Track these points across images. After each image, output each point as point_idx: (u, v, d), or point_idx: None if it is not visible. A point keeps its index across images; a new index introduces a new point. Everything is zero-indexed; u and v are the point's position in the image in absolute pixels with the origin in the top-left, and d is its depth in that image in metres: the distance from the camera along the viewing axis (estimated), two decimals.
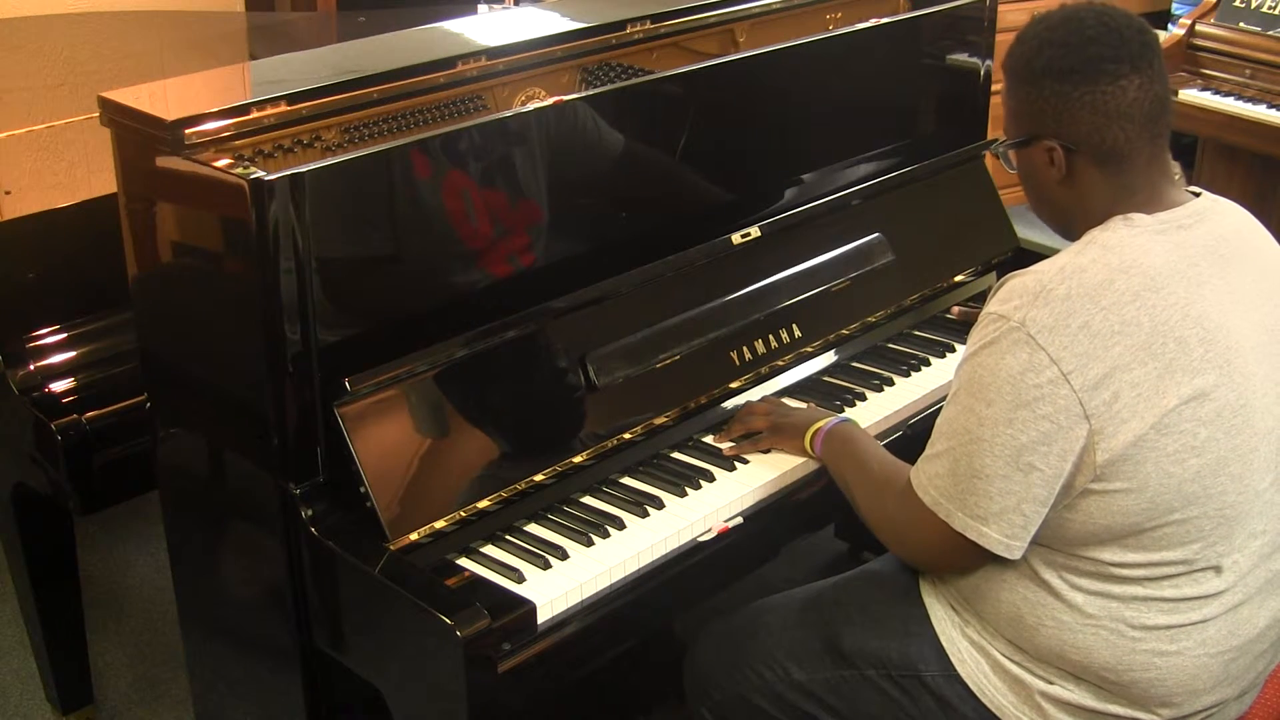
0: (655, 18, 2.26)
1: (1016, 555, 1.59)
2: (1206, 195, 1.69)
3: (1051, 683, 1.64)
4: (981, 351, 1.56)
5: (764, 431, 1.98)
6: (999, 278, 2.50)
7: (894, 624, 1.76)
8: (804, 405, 2.06)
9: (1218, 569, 1.59)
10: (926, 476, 1.63)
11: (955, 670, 1.69)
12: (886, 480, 1.75)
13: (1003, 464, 1.54)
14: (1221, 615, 1.60)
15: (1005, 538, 1.57)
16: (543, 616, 1.66)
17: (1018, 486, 1.54)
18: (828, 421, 1.92)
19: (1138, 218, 1.60)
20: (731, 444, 1.99)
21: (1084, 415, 1.51)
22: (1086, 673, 1.62)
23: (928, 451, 1.65)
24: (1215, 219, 1.65)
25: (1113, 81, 1.57)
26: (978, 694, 1.68)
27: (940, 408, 2.11)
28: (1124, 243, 1.58)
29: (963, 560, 1.65)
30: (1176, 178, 1.68)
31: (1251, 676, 1.68)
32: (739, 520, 1.87)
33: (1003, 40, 2.97)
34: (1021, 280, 1.57)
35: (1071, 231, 1.68)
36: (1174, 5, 4.57)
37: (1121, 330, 1.52)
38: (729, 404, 2.09)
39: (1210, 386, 1.54)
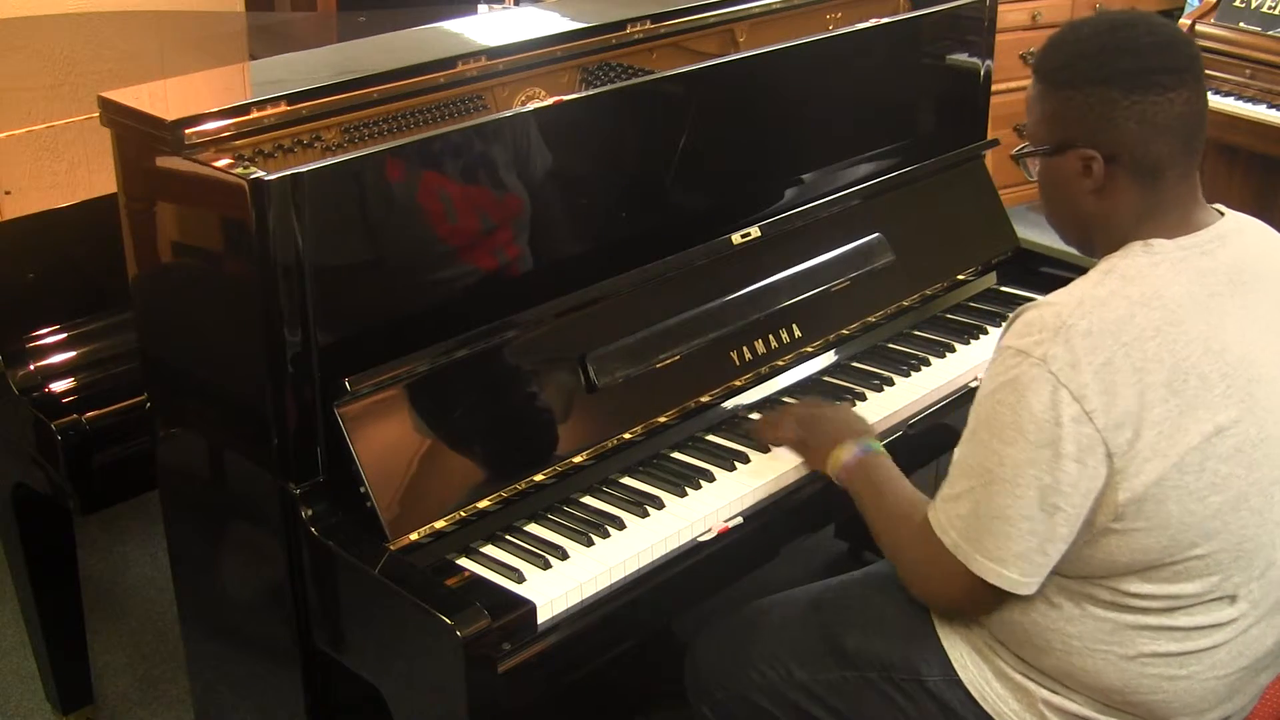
0: (655, 18, 2.26)
1: (1033, 591, 1.56)
2: (1230, 215, 1.64)
3: (1056, 692, 1.63)
4: (1001, 389, 1.51)
5: (792, 440, 1.93)
6: (999, 278, 2.53)
7: (897, 626, 1.75)
8: (838, 414, 1.95)
9: (1232, 598, 1.57)
10: (947, 517, 1.58)
11: (957, 675, 1.69)
12: (903, 515, 1.70)
13: (1026, 505, 1.50)
14: (1231, 640, 1.58)
15: (1024, 577, 1.54)
16: (543, 616, 1.66)
17: (1041, 527, 1.50)
18: (851, 452, 1.83)
19: (1158, 244, 1.56)
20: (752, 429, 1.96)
21: (1107, 454, 1.47)
22: (1093, 691, 1.60)
23: (947, 490, 1.59)
24: (1238, 242, 1.61)
25: (1162, 93, 1.52)
26: (979, 700, 1.67)
27: (940, 407, 2.13)
28: (1143, 273, 1.54)
29: (979, 603, 1.61)
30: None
31: (1254, 690, 1.67)
32: (739, 520, 1.87)
33: (1003, 40, 2.98)
34: (1039, 313, 1.52)
35: (1090, 245, 1.64)
36: (1188, 4, 4.56)
37: (1143, 367, 1.48)
38: (729, 404, 2.09)
39: (1230, 422, 1.51)
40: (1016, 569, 1.53)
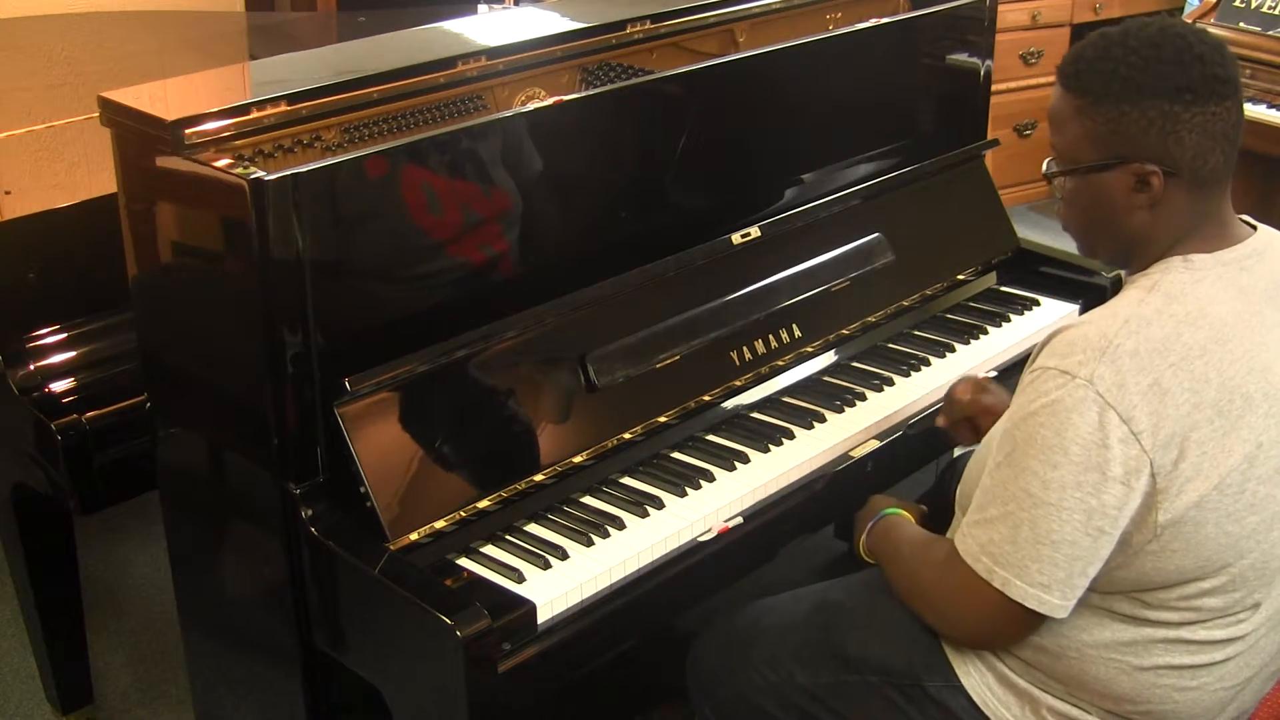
0: (655, 18, 2.26)
1: (1068, 613, 1.53)
2: (1262, 229, 1.63)
3: (1061, 699, 1.62)
4: (1043, 411, 1.47)
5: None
6: (999, 278, 2.53)
7: (898, 631, 1.73)
8: (861, 510, 1.92)
9: (1253, 609, 1.56)
10: (978, 544, 1.54)
11: (959, 681, 1.67)
12: (922, 554, 1.68)
13: (1071, 529, 1.47)
14: (1241, 653, 1.58)
15: (1064, 600, 1.52)
16: (543, 616, 1.66)
17: (1084, 551, 1.48)
18: (868, 532, 1.83)
19: (1198, 259, 1.54)
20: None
21: (1151, 474, 1.45)
22: (1102, 700, 1.60)
23: (975, 517, 1.56)
24: (1273, 257, 1.59)
25: (1220, 102, 1.49)
26: (981, 705, 1.66)
27: (940, 408, 2.13)
28: (1187, 290, 1.51)
29: (1014, 629, 1.57)
30: None
31: (1254, 698, 1.67)
32: (739, 520, 1.87)
33: (1003, 40, 2.98)
34: (1081, 333, 1.49)
35: (1127, 260, 1.61)
36: (1187, 4, 4.56)
37: (1191, 388, 1.46)
38: (729, 404, 2.09)
39: (1270, 442, 1.50)
40: (1058, 593, 1.51)
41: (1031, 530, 1.49)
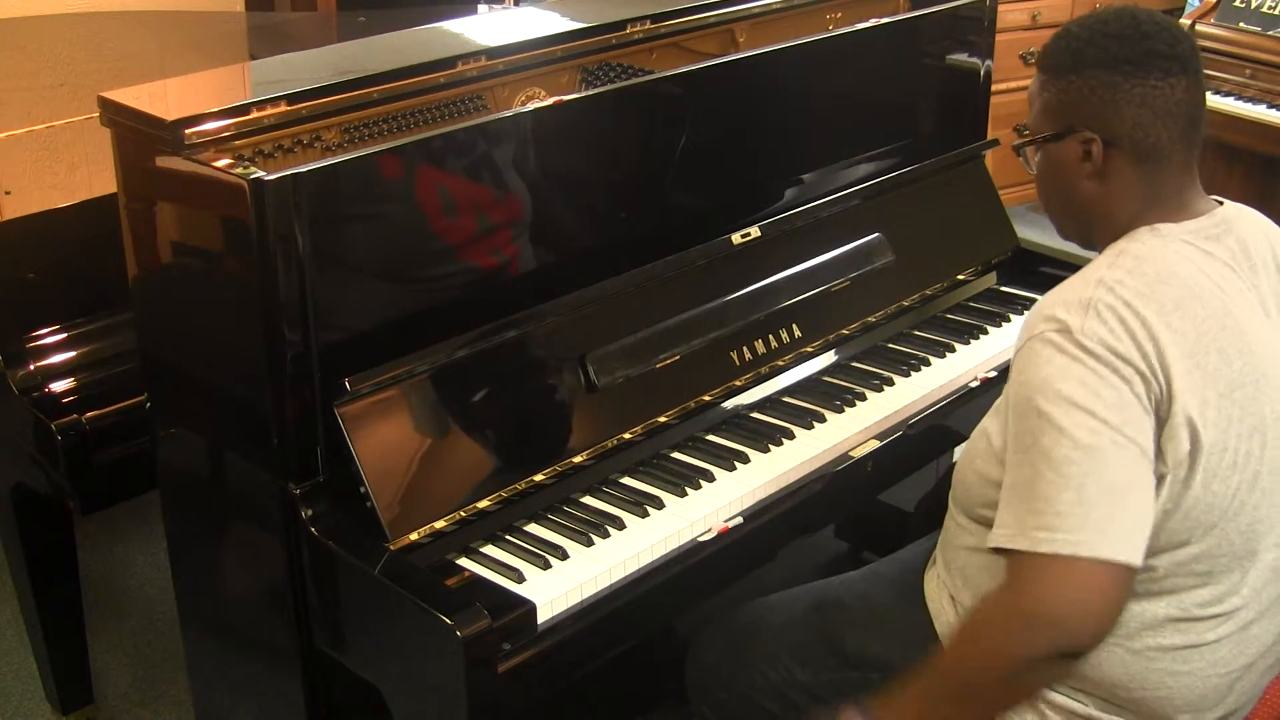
0: (655, 18, 2.26)
1: (1141, 558, 1.48)
2: (1229, 204, 1.66)
3: (1057, 690, 1.62)
4: (1056, 374, 1.46)
5: None
6: (999, 278, 2.53)
7: (897, 627, 1.74)
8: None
9: (1236, 584, 1.57)
10: (1046, 531, 1.44)
11: None
12: (971, 624, 1.55)
13: (1130, 466, 1.44)
14: (1233, 634, 1.58)
15: (1140, 545, 1.46)
16: (543, 616, 1.66)
17: (1149, 491, 1.46)
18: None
19: (1165, 227, 1.58)
20: None
21: (1158, 416, 1.47)
22: (1097, 688, 1.59)
23: (1019, 510, 1.47)
24: (1241, 227, 1.63)
25: (1163, 78, 1.55)
26: None
27: (940, 408, 2.13)
28: (1155, 253, 1.55)
29: (1113, 592, 1.45)
30: None
31: (1252, 690, 1.66)
32: (739, 520, 1.87)
33: (1003, 40, 2.98)
34: (1060, 297, 1.52)
35: (1091, 236, 1.65)
36: (1188, 4, 4.57)
37: (1171, 340, 1.48)
38: (729, 404, 2.09)
39: (1249, 400, 1.52)
40: (1140, 537, 1.45)
41: (1098, 484, 1.43)
